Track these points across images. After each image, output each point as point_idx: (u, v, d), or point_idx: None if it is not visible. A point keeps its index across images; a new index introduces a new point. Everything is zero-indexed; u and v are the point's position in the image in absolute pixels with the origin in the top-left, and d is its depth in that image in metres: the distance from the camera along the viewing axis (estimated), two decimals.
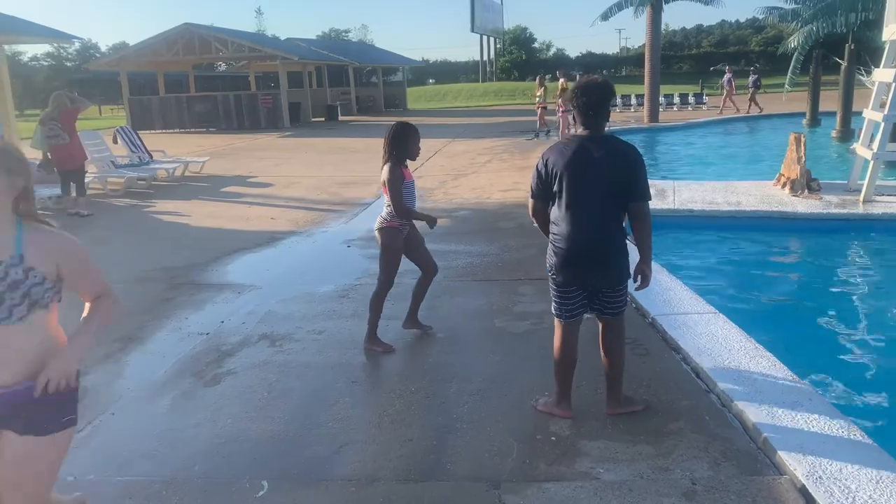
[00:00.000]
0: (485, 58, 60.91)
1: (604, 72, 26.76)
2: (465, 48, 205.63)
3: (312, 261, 7.32)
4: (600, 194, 3.41)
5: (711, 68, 49.07)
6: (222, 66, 45.21)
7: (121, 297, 2.48)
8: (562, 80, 18.86)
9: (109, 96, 50.09)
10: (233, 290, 6.20)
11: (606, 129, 3.55)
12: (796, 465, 3.01)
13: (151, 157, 14.11)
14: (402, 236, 4.73)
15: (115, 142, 13.63)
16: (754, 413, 3.47)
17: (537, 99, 19.85)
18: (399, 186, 4.50)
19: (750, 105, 26.36)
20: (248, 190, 12.23)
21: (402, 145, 4.56)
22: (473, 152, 16.79)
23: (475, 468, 3.24)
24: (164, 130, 27.11)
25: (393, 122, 4.74)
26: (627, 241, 3.53)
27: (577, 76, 21.64)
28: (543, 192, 3.59)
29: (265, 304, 5.74)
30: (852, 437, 3.25)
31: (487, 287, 6.02)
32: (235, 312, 5.60)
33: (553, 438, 3.45)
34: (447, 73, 67.44)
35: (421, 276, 4.96)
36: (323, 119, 31.34)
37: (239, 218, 9.55)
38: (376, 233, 4.74)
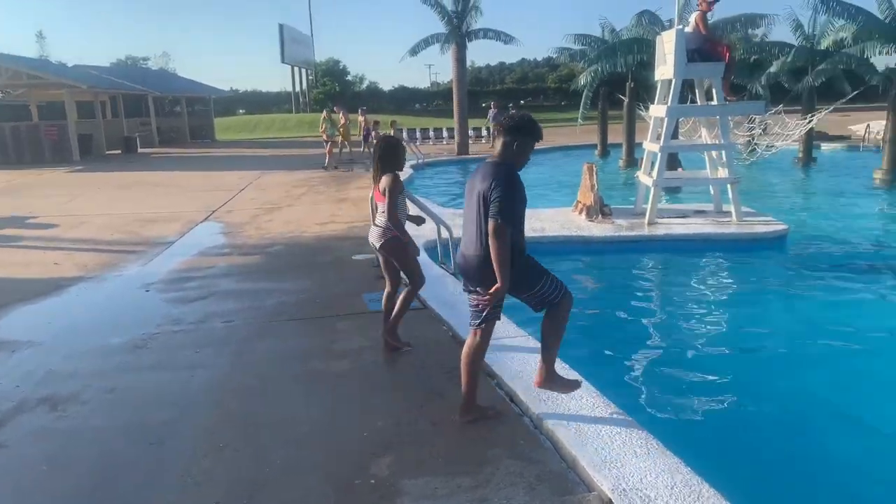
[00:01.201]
0: (297, 88, 60.26)
1: (416, 105, 27.50)
2: (277, 78, 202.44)
3: (104, 309, 6.58)
4: (474, 211, 3.59)
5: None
6: None
7: None
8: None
9: None
10: (6, 349, 5.39)
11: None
12: (602, 480, 3.16)
13: None
14: (404, 241, 4.86)
15: None
16: (563, 433, 3.61)
17: (324, 134, 20.22)
18: (399, 200, 4.77)
19: None
20: (28, 232, 10.86)
21: (395, 158, 4.81)
22: (288, 184, 16.38)
23: None
24: None
25: (380, 137, 5.10)
26: None
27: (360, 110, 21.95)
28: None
29: (46, 363, 5.05)
30: (649, 446, 3.47)
31: (303, 326, 5.78)
32: (8, 374, 4.86)
33: (372, 481, 3.33)
34: (258, 103, 65.64)
35: (389, 291, 5.09)
36: (119, 152, 28.97)
37: (15, 264, 8.43)
38: (379, 250, 4.90)
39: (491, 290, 3.51)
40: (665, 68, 10.31)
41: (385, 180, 4.74)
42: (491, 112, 19.74)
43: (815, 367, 5.85)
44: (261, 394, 4.44)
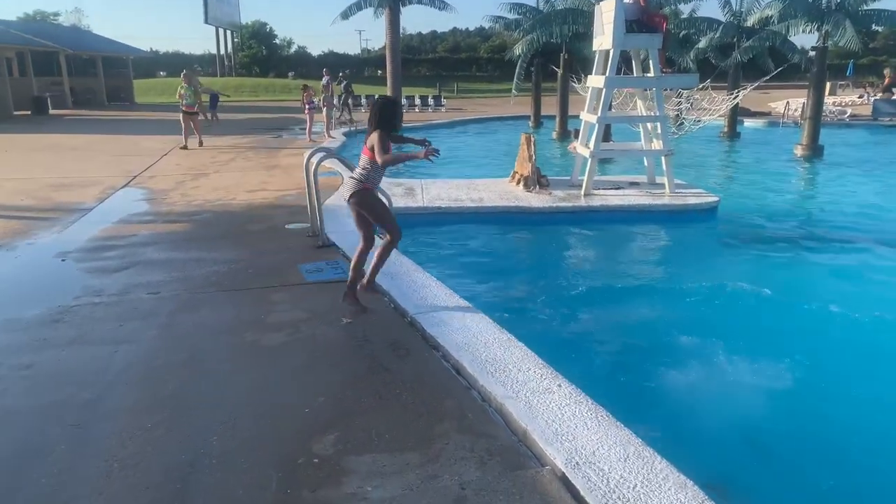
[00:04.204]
0: (222, 51, 57.84)
1: (347, 71, 26.77)
2: (200, 40, 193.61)
3: (15, 281, 6.08)
4: None
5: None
6: None
7: None
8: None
9: None
10: None
11: None
12: (555, 453, 3.09)
13: None
14: (376, 195, 4.97)
15: None
16: (513, 406, 3.53)
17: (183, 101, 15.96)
18: (387, 145, 4.72)
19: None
20: None
21: (386, 118, 4.80)
22: (214, 150, 15.68)
23: None
24: None
25: (377, 97, 5.20)
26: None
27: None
28: None
29: None
30: (599, 417, 3.43)
31: (236, 297, 5.49)
32: None
33: (316, 460, 3.16)
34: (180, 65, 62.19)
35: (363, 246, 5.07)
36: (28, 113, 27.11)
37: None
38: (350, 201, 4.89)
39: None
40: (603, 38, 10.30)
41: (374, 136, 4.74)
42: (324, 80, 19.74)
43: (750, 333, 5.99)
44: (192, 370, 4.18)
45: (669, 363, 5.35)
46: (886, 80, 27.99)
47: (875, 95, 28.51)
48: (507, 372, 3.93)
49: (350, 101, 25.19)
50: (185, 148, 15.65)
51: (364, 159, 4.89)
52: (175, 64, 63.24)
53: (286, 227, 7.84)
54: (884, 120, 26.43)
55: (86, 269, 6.22)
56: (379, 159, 4.69)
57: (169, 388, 3.96)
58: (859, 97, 33.85)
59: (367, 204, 4.90)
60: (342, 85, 20.74)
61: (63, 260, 6.56)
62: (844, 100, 31.38)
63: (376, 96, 4.94)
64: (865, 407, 4.86)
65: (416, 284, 5.53)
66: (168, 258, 6.61)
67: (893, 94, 28.62)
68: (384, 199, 7.03)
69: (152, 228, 7.85)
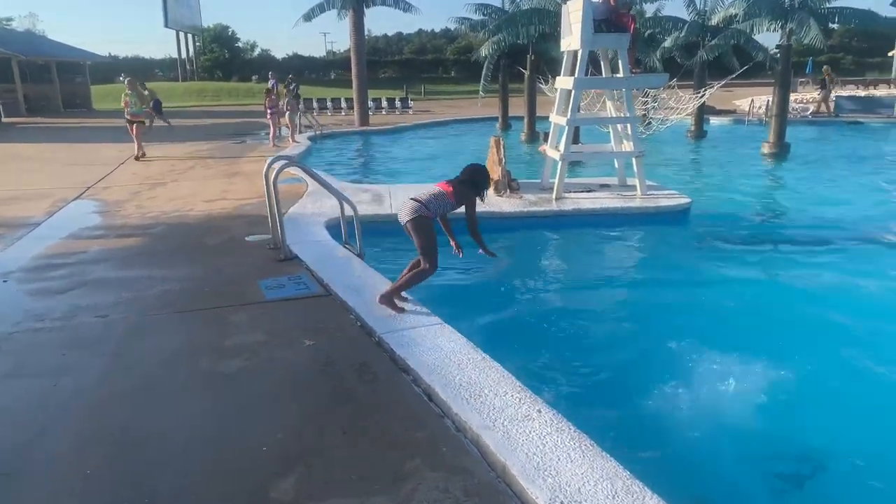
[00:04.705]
0: (183, 55, 56.73)
1: (292, 75, 26.19)
2: (161, 44, 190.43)
3: None
4: None
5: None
6: None
7: None
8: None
9: None
10: None
11: None
12: (538, 492, 2.83)
13: None
14: (432, 226, 5.01)
15: None
16: (490, 437, 3.25)
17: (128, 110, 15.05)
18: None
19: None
20: None
21: (476, 184, 5.10)
22: (174, 158, 15.16)
23: None
24: None
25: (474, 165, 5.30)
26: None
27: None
28: None
29: None
30: (583, 448, 3.17)
31: (190, 319, 5.12)
32: None
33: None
34: (140, 70, 61.02)
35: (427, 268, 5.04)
36: None
37: None
38: (405, 223, 4.91)
39: None
40: (571, 39, 10.10)
41: (471, 193, 5.04)
42: (270, 83, 19.37)
43: (733, 338, 5.80)
44: (141, 403, 3.82)
45: (649, 376, 5.13)
46: (826, 78, 28.53)
47: (828, 92, 29.00)
48: (482, 397, 3.66)
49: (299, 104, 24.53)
50: (139, 158, 14.77)
51: (438, 190, 4.98)
52: (135, 69, 61.67)
53: (246, 239, 7.46)
54: (846, 117, 26.85)
55: (28, 291, 5.79)
56: (472, 212, 5.06)
57: (114, 424, 3.59)
58: (819, 94, 34.40)
59: (420, 230, 4.89)
60: (290, 87, 20.13)
61: (4, 281, 6.11)
62: (806, 97, 31.84)
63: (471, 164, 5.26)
64: (850, 408, 4.73)
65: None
66: (119, 277, 6.21)
67: (832, 91, 29.25)
68: (349, 209, 6.75)
69: (103, 244, 7.42)
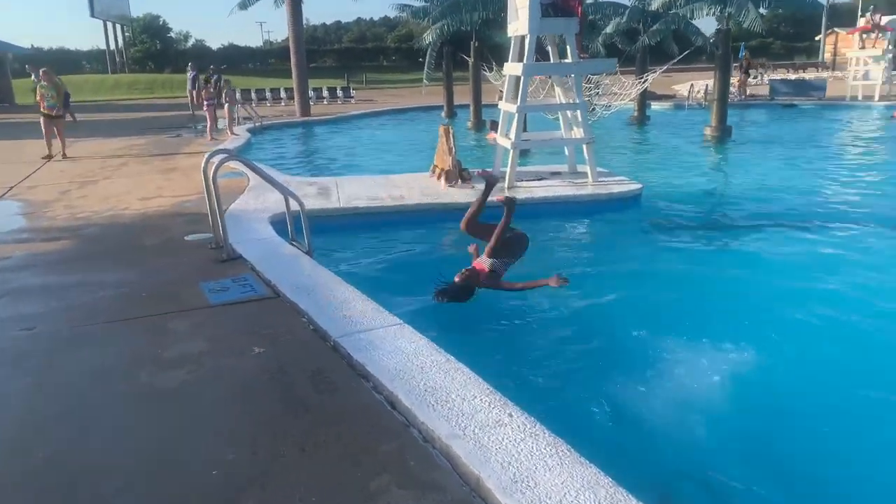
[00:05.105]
0: (112, 47, 54.45)
1: (249, 65, 25.42)
2: (88, 36, 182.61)
3: None
4: None
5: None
6: None
7: None
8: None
9: None
10: None
11: None
12: None
13: None
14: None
15: None
16: (461, 447, 3.03)
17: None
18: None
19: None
20: None
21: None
22: (105, 154, 14.40)
23: None
24: None
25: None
26: None
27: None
28: None
29: None
30: (560, 454, 2.97)
31: (127, 329, 4.71)
32: None
33: None
34: (66, 62, 58.53)
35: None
36: None
37: None
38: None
39: None
40: (518, 24, 9.91)
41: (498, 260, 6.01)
42: (190, 74, 18.71)
43: (695, 325, 5.72)
44: (74, 427, 3.44)
45: (611, 368, 4.98)
46: (745, 63, 29.59)
47: (746, 76, 29.98)
48: (449, 402, 3.42)
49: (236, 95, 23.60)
50: (48, 158, 13.60)
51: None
52: (61, 61, 59.04)
53: (185, 238, 7.03)
54: (781, 99, 27.62)
55: None
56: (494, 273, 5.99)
57: (43, 454, 3.21)
58: (753, 78, 35.38)
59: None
60: (214, 79, 19.27)
61: None
62: (735, 81, 32.67)
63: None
64: (815, 395, 4.70)
65: (337, 300, 4.93)
66: (46, 284, 5.72)
67: (750, 76, 30.46)
68: (295, 203, 6.43)
69: (28, 248, 6.87)
